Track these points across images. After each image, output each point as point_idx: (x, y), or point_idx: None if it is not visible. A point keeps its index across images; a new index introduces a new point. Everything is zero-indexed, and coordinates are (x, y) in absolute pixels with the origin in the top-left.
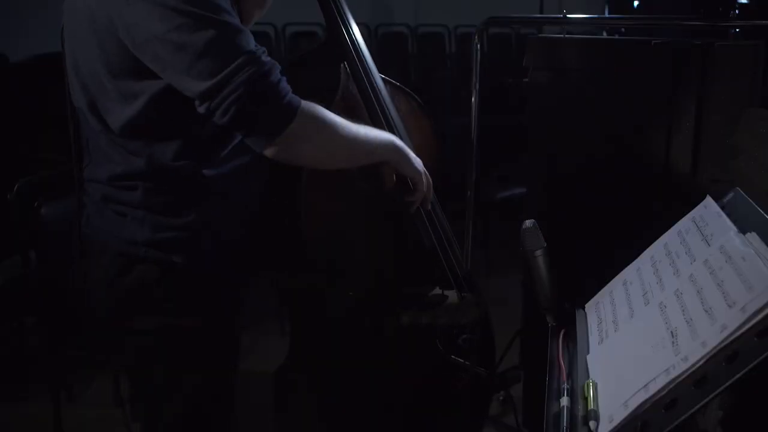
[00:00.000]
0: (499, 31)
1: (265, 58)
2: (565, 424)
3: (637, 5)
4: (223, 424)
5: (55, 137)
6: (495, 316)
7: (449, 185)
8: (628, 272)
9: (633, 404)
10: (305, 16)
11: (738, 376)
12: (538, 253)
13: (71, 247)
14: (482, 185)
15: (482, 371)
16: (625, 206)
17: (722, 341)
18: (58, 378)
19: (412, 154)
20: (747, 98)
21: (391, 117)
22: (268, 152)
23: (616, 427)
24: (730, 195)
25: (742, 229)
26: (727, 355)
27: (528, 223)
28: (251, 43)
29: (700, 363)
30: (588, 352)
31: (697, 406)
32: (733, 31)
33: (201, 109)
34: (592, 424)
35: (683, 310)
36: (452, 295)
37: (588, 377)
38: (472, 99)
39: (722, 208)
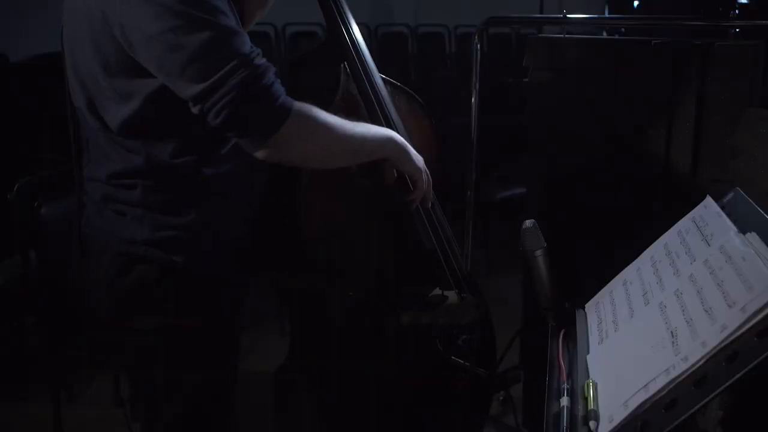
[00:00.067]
0: (499, 31)
1: (259, 60)
2: (565, 424)
3: (637, 5)
4: (223, 424)
5: (55, 137)
6: (495, 316)
7: (449, 185)
8: (628, 272)
9: (633, 404)
10: (305, 16)
11: (738, 376)
12: (538, 253)
13: (71, 247)
14: (482, 185)
15: (482, 372)
16: (625, 206)
17: (722, 341)
18: (58, 378)
19: (412, 151)
20: (747, 98)
21: (391, 117)
22: (261, 154)
23: (616, 427)
24: (730, 195)
25: (742, 229)
26: (727, 355)
27: (528, 223)
28: (246, 46)
29: (700, 363)
30: (588, 352)
31: (697, 406)
32: (733, 31)
33: (194, 110)
34: (592, 424)
35: (683, 310)
36: (452, 295)
37: (588, 377)
38: (472, 99)
39: (722, 208)
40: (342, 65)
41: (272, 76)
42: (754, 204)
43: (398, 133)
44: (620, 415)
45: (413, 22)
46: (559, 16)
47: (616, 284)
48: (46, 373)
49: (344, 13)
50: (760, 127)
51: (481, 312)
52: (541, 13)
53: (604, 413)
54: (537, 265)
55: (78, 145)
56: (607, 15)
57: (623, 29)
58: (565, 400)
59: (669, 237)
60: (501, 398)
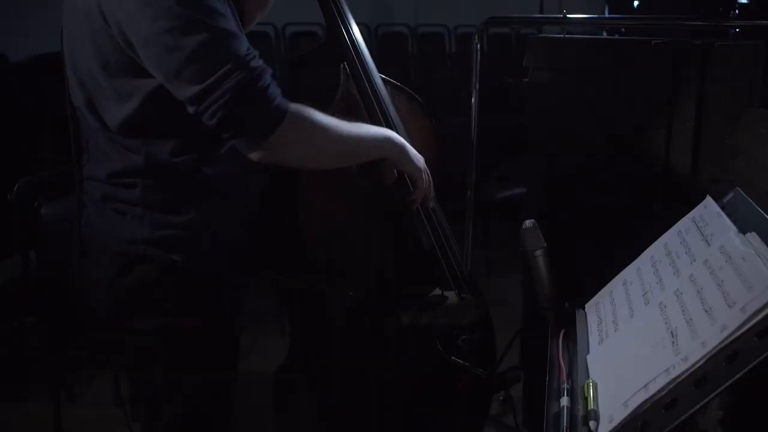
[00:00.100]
0: (499, 31)
1: (255, 63)
2: (565, 424)
3: (637, 5)
4: (223, 424)
5: (55, 137)
6: (495, 316)
7: (449, 185)
8: (628, 272)
9: (633, 404)
10: (305, 16)
11: (738, 376)
12: (538, 253)
13: (71, 247)
14: (482, 185)
15: (482, 372)
16: (625, 206)
17: (722, 341)
18: (58, 378)
19: (412, 151)
20: (747, 98)
21: (391, 117)
22: (256, 156)
23: (616, 427)
24: (730, 195)
25: (742, 229)
26: (727, 355)
27: (528, 223)
28: (242, 48)
29: (700, 363)
30: (588, 352)
31: (697, 406)
32: (733, 31)
33: (190, 111)
34: (592, 424)
35: (683, 310)
36: (452, 295)
37: (588, 377)
38: (472, 99)
39: (722, 208)
40: (342, 65)
41: (269, 78)
42: (754, 204)
43: (398, 133)
44: (620, 415)
45: (413, 22)
46: (559, 16)
47: (616, 284)
48: (46, 373)
49: (344, 13)
50: (760, 127)
51: (480, 312)
52: (541, 13)
53: (604, 413)
54: (537, 265)
55: (78, 144)
56: (607, 15)
57: (623, 29)
58: (565, 400)
59: (669, 237)
60: (501, 398)
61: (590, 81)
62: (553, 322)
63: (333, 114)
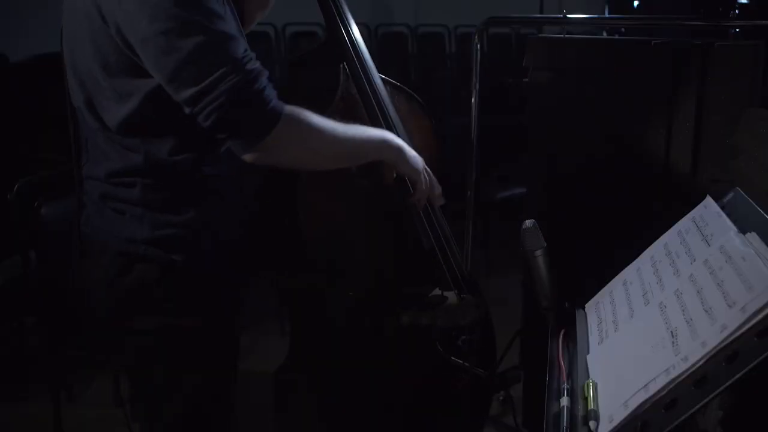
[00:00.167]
0: (499, 31)
1: (252, 65)
2: (565, 424)
3: (637, 5)
4: (223, 424)
5: (55, 137)
6: (495, 316)
7: (449, 185)
8: (628, 272)
9: (633, 404)
10: (305, 16)
11: (738, 376)
12: (538, 253)
13: (71, 247)
14: (482, 185)
15: (482, 372)
16: (625, 206)
17: (722, 341)
18: (58, 378)
19: (410, 152)
20: (747, 98)
21: (391, 117)
22: (250, 157)
23: (616, 427)
24: (730, 195)
25: (742, 229)
26: (727, 355)
27: (528, 223)
28: (239, 50)
29: (700, 363)
30: (588, 352)
31: (697, 406)
32: (733, 31)
33: (186, 111)
34: (592, 424)
35: (683, 310)
36: (451, 296)
37: (588, 377)
38: (472, 99)
39: (722, 208)
40: (341, 65)
41: (265, 80)
42: (754, 204)
43: (398, 133)
44: (620, 415)
45: (413, 22)
46: (559, 16)
47: (616, 284)
48: (46, 373)
49: (343, 13)
50: (760, 127)
51: (480, 312)
52: (541, 13)
53: (604, 413)
54: (537, 265)
55: (77, 144)
56: (607, 15)
57: (623, 29)
58: (565, 400)
59: (669, 237)
60: (501, 398)
61: (590, 81)
62: (553, 322)
63: (332, 114)
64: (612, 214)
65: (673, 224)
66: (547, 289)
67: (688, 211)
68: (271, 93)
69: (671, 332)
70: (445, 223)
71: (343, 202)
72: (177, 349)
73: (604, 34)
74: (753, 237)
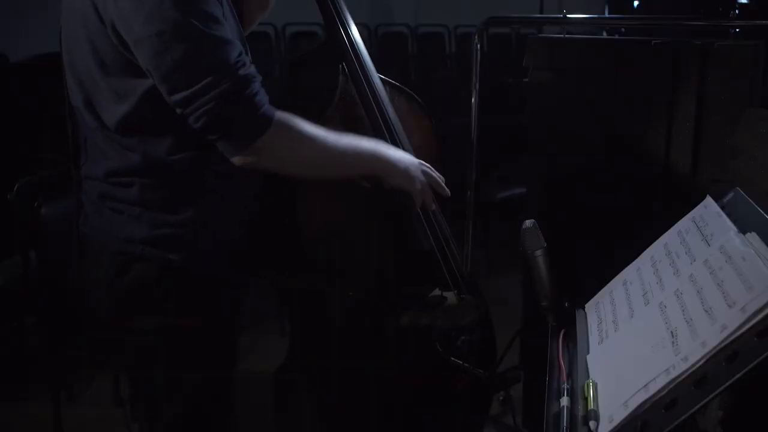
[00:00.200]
0: (499, 31)
1: (244, 71)
2: (565, 424)
3: (637, 5)
4: (223, 424)
5: (54, 137)
6: (495, 316)
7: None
8: (628, 272)
9: (633, 404)
10: (305, 16)
11: (738, 376)
12: (538, 253)
13: (71, 247)
14: (482, 185)
15: (482, 373)
16: (625, 206)
17: (722, 341)
18: (58, 378)
19: (401, 165)
20: (747, 98)
21: (389, 118)
22: (239, 161)
23: (616, 427)
24: (730, 195)
25: (742, 229)
26: (727, 355)
27: (528, 223)
28: (232, 55)
29: (700, 363)
30: (588, 352)
31: (697, 406)
32: (733, 31)
33: (177, 112)
34: (592, 424)
35: (683, 310)
36: (451, 296)
37: (588, 377)
38: (472, 99)
39: (722, 208)
40: (340, 66)
41: (257, 85)
42: (754, 204)
43: (397, 133)
44: (620, 415)
45: (413, 22)
46: (559, 16)
47: (616, 284)
48: (46, 373)
49: (342, 14)
50: (760, 127)
51: (480, 313)
52: (541, 13)
53: (604, 413)
54: (537, 265)
55: (75, 144)
56: (607, 15)
57: (623, 29)
58: (565, 400)
59: (669, 237)
60: (501, 398)
61: (590, 81)
62: (553, 322)
63: (332, 114)
64: (612, 214)
65: (673, 224)
66: (547, 289)
67: (688, 211)
68: (263, 98)
69: (671, 332)
70: (445, 224)
71: (343, 202)
72: (177, 348)
73: (604, 34)
74: (753, 237)
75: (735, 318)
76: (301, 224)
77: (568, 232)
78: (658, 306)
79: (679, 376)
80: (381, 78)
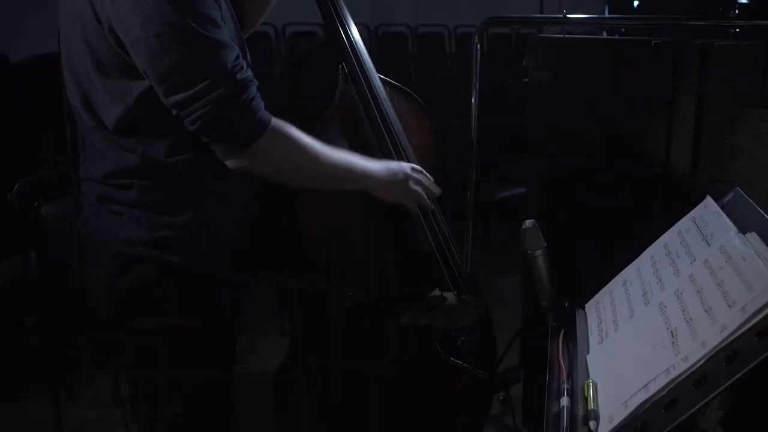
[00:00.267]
0: (499, 31)
1: (241, 75)
2: (565, 424)
3: (637, 5)
4: (223, 424)
5: (54, 137)
6: (495, 316)
7: (449, 185)
8: (628, 272)
9: (633, 404)
10: (305, 16)
11: (738, 376)
12: (538, 253)
13: (71, 248)
14: (482, 185)
15: (481, 373)
16: (625, 206)
17: (722, 341)
18: (58, 378)
19: (392, 180)
20: (747, 98)
21: (389, 118)
22: (232, 164)
23: (616, 427)
24: (730, 195)
25: (742, 229)
26: (727, 355)
27: (528, 223)
28: (230, 59)
29: (700, 363)
30: (588, 352)
31: (697, 406)
32: (733, 31)
33: (173, 114)
34: (592, 424)
35: (683, 310)
36: (451, 297)
37: (588, 377)
38: (472, 99)
39: (722, 208)
40: (340, 66)
41: (253, 91)
42: (754, 204)
43: (397, 133)
44: (620, 415)
45: (413, 22)
46: (559, 16)
47: (616, 284)
48: (46, 373)
49: (342, 14)
50: (760, 127)
51: (480, 313)
52: (541, 13)
53: (604, 413)
54: (537, 265)
55: (74, 146)
56: (607, 15)
57: (623, 29)
58: (565, 400)
59: (669, 237)
60: (501, 398)
61: (590, 81)
62: (553, 322)
63: (332, 114)
64: (612, 214)
65: (673, 224)
66: (547, 289)
67: (688, 211)
68: (258, 104)
69: (671, 332)
70: (445, 224)
71: (343, 202)
72: (177, 349)
73: (604, 34)
74: (753, 237)
75: (735, 318)
76: (301, 224)
77: (568, 232)
78: (658, 306)
79: (679, 376)
80: (381, 78)
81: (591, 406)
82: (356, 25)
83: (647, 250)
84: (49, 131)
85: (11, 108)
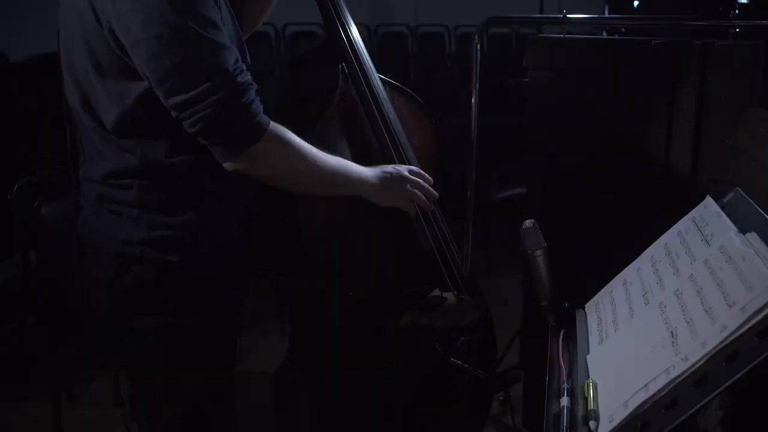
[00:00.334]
0: (499, 31)
1: (242, 78)
2: (565, 424)
3: (637, 5)
4: (223, 424)
5: (54, 137)
6: (495, 316)
7: (449, 185)
8: (628, 272)
9: (633, 404)
10: (305, 16)
11: (738, 376)
12: (538, 253)
13: (71, 248)
14: (482, 185)
15: (481, 373)
16: (625, 206)
17: (722, 341)
18: (58, 378)
19: (389, 187)
20: (747, 98)
21: (389, 118)
22: (230, 166)
23: (616, 427)
24: (730, 195)
25: (742, 229)
26: (727, 355)
27: (528, 223)
28: (230, 61)
29: (700, 363)
30: (588, 352)
31: (697, 406)
32: (733, 31)
33: (173, 115)
34: (592, 424)
35: (683, 310)
36: (451, 297)
37: (588, 377)
38: (472, 99)
39: (722, 208)
40: (340, 66)
41: (252, 93)
42: (754, 204)
43: (397, 133)
44: (620, 415)
45: (413, 22)
46: (559, 16)
47: (616, 284)
48: (46, 373)
49: (342, 14)
50: (760, 127)
51: (480, 313)
52: (541, 13)
53: (604, 413)
54: (537, 265)
55: (74, 146)
56: (607, 15)
57: (623, 29)
58: (565, 400)
59: (669, 237)
60: (501, 398)
61: (590, 81)
62: (553, 322)
63: (332, 114)
64: (612, 214)
65: (673, 224)
66: (547, 289)
67: (688, 211)
68: (258, 107)
69: (671, 332)
70: (445, 225)
71: (343, 202)
72: (177, 349)
73: (604, 34)
74: (753, 237)
75: (735, 318)
76: (301, 224)
77: (568, 232)
78: (658, 306)
79: (679, 376)
80: (381, 78)
81: (591, 406)
82: (356, 25)
83: (647, 250)
84: (49, 131)
85: (11, 108)
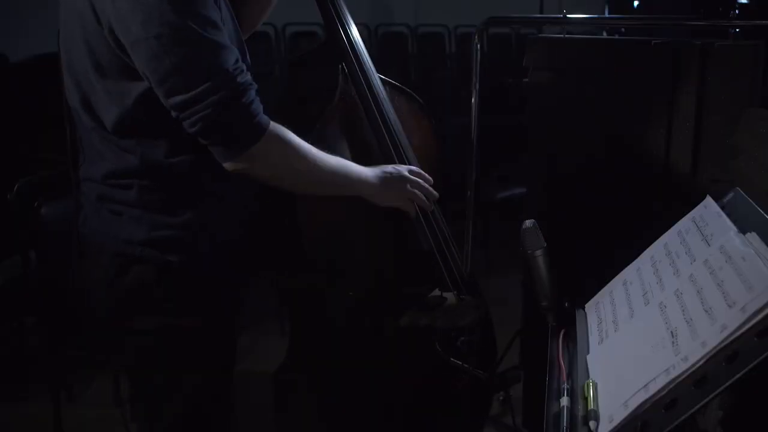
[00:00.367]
0: (499, 31)
1: (242, 78)
2: (565, 424)
3: (637, 5)
4: (223, 424)
5: (54, 137)
6: (495, 316)
7: (449, 185)
8: (628, 272)
9: (633, 404)
10: (305, 16)
11: (738, 376)
12: (538, 253)
13: (71, 248)
14: (482, 185)
15: (481, 373)
16: (625, 206)
17: (722, 341)
18: (58, 378)
19: (389, 187)
20: (747, 98)
21: (389, 118)
22: (230, 166)
23: (616, 427)
24: (730, 195)
25: (742, 229)
26: (727, 355)
27: (528, 223)
28: (230, 61)
29: (700, 363)
30: (588, 352)
31: (697, 406)
32: (733, 31)
33: (173, 115)
34: (592, 424)
35: (683, 310)
36: (451, 297)
37: (588, 377)
38: (472, 99)
39: (722, 208)
40: (340, 66)
41: (252, 93)
42: (754, 204)
43: (397, 133)
44: (620, 415)
45: (413, 22)
46: (559, 16)
47: (616, 284)
48: (46, 373)
49: (342, 13)
50: (760, 127)
51: (480, 313)
52: (541, 13)
53: (604, 413)
54: (537, 265)
55: (74, 146)
56: (607, 15)
57: (623, 29)
58: (565, 400)
59: (669, 237)
60: (501, 398)
61: (590, 81)
62: (553, 322)
63: (332, 114)
64: (612, 214)
65: (673, 224)
66: (547, 289)
67: (688, 211)
68: (258, 107)
69: (671, 332)
70: (445, 225)
71: (343, 202)
72: (177, 349)
73: (604, 34)
74: (753, 237)
75: (735, 318)
76: (301, 224)
77: (568, 232)
78: (658, 306)
79: (679, 376)
80: (381, 78)
81: (591, 406)
82: (356, 25)
83: (647, 250)
84: (49, 131)
85: (11, 108)
